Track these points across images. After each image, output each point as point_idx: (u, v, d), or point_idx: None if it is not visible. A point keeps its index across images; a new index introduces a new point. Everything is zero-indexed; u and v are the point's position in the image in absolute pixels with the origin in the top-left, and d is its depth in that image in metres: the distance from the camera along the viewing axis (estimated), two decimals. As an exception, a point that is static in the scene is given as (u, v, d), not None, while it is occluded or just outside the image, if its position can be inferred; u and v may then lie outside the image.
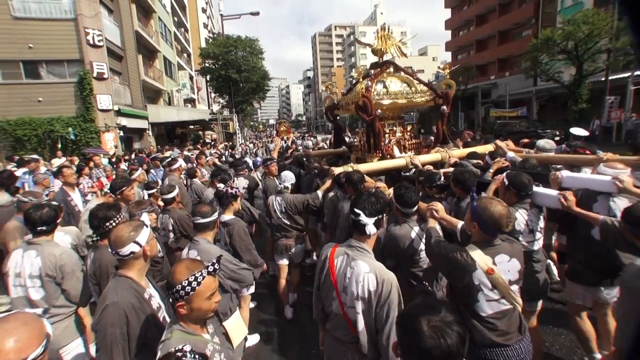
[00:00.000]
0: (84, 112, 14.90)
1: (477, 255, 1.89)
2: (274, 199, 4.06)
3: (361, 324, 1.76)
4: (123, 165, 9.02)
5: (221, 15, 25.05)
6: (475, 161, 4.18)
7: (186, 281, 1.35)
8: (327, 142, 12.80)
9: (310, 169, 5.29)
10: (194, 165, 7.46)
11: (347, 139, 7.86)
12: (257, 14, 22.43)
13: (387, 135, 5.19)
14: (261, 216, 4.47)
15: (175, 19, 31.25)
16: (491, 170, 3.47)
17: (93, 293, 2.55)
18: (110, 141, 15.15)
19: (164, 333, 1.42)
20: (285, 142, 18.12)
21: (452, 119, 23.34)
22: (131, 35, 19.04)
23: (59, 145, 13.51)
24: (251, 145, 19.68)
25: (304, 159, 6.23)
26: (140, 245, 1.76)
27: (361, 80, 5.38)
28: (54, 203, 2.82)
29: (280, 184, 4.21)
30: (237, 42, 27.04)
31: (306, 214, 4.26)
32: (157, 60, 24.08)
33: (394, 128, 5.41)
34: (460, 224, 2.38)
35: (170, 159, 6.85)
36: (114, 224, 2.46)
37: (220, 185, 4.16)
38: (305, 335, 3.69)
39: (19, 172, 6.50)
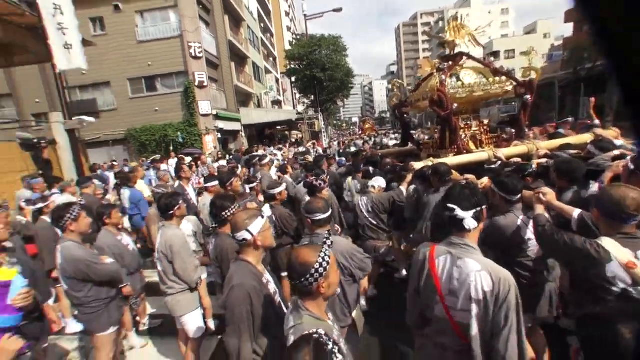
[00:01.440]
0: (189, 118, 17.27)
1: (612, 245, 1.73)
2: (360, 199, 4.21)
3: (475, 329, 1.63)
4: (222, 162, 10.29)
5: (305, 15, 26.20)
6: (572, 152, 3.80)
7: (320, 258, 1.42)
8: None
9: (384, 166, 5.36)
10: (285, 162, 8.12)
11: (415, 137, 7.79)
12: (339, 10, 22.86)
13: (462, 130, 5.07)
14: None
15: (262, 25, 33.76)
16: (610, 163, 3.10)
17: (215, 275, 2.93)
18: (210, 142, 17.26)
19: (290, 319, 1.48)
20: (370, 139, 18.27)
21: (570, 106, 20.23)
22: (225, 45, 21.28)
23: (171, 148, 15.91)
24: (335, 144, 20.30)
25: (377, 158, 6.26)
26: (252, 234, 1.87)
27: (435, 73, 5.27)
28: (175, 193, 3.44)
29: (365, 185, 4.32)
30: (321, 41, 27.95)
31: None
32: (247, 65, 26.41)
33: (470, 122, 5.25)
34: (576, 212, 2.23)
35: (261, 155, 7.57)
36: (229, 213, 2.79)
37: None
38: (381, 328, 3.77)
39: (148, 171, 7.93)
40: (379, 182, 4.31)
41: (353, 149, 11.10)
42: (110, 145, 17.33)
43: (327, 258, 1.44)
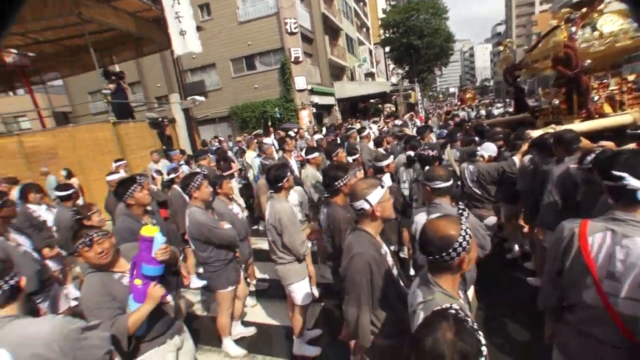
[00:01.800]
0: (286, 94, 17.90)
1: None
2: (466, 167, 3.97)
3: None
4: (318, 136, 10.38)
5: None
6: None
7: (462, 231, 1.31)
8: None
9: (493, 135, 4.75)
10: (382, 134, 7.79)
11: (530, 104, 7.00)
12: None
13: (594, 92, 4.32)
14: None
15: (356, -7, 32.69)
16: None
17: (327, 244, 2.89)
18: (305, 117, 17.69)
19: (418, 294, 1.41)
20: (473, 110, 16.56)
21: None
22: (319, 18, 21.17)
23: (269, 124, 16.77)
24: (434, 118, 18.88)
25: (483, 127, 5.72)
26: (370, 204, 1.81)
27: (562, 26, 4.31)
28: (284, 165, 3.42)
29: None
30: (419, 4, 25.98)
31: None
32: (340, 38, 26.01)
33: (606, 80, 4.38)
34: None
35: (359, 127, 7.38)
36: (342, 183, 2.69)
37: (410, 153, 4.35)
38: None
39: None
40: (488, 149, 4.01)
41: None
42: (216, 123, 19.13)
43: (468, 230, 1.32)
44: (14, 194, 4.58)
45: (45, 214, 4.29)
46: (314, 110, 18.75)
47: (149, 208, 3.35)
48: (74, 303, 3.51)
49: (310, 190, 4.32)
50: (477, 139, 5.19)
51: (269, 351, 3.44)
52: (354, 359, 2.58)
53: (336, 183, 2.70)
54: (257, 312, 4.14)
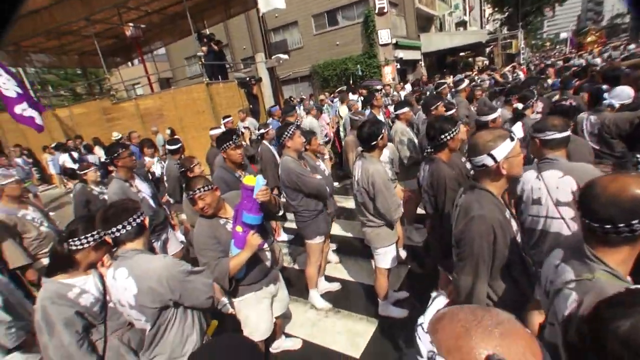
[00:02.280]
0: (368, 49, 17.08)
1: None
2: (586, 117, 3.37)
3: None
4: (402, 93, 9.85)
5: None
6: None
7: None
8: None
9: (636, 80, 3.82)
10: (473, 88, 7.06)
11: None
12: None
13: None
14: None
15: None
16: None
17: (426, 204, 2.72)
18: (388, 74, 16.82)
19: (566, 270, 1.15)
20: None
21: None
22: (407, -39, 19.33)
23: (351, 81, 16.36)
24: (551, 71, 16.19)
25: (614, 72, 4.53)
26: (495, 160, 1.55)
27: None
28: (378, 121, 3.21)
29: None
30: None
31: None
32: (430, -18, 23.53)
33: None
34: None
35: (457, 79, 6.75)
36: (449, 137, 2.47)
37: (519, 105, 3.87)
38: None
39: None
40: (622, 95, 3.38)
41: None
42: (298, 82, 19.33)
43: None
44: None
45: (156, 165, 4.90)
46: (398, 66, 17.66)
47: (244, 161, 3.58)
48: (180, 246, 3.99)
49: (399, 147, 4.12)
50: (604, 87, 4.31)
51: (353, 308, 3.51)
52: None
53: (442, 136, 2.46)
54: (341, 269, 4.24)
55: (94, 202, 3.90)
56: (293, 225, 5.26)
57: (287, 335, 3.19)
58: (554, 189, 1.92)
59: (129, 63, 16.55)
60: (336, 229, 5.18)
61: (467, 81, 6.01)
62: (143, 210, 1.82)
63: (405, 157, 4.06)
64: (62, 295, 1.73)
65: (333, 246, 4.69)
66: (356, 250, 4.52)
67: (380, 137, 2.77)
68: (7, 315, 2.15)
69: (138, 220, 1.72)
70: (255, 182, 2.10)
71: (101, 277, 1.89)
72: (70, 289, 1.76)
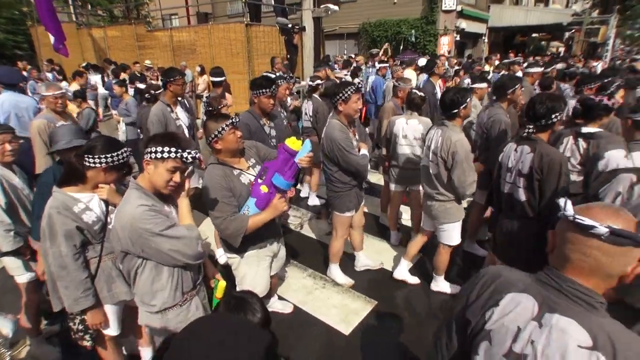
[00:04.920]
0: (428, 13, 16.04)
1: None
2: None
3: None
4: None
5: None
6: None
7: None
8: None
9: None
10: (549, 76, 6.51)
11: None
12: None
13: None
14: None
15: None
16: None
17: (518, 190, 2.54)
18: (444, 45, 15.86)
19: None
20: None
21: None
22: None
23: (401, 47, 15.61)
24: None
25: None
26: None
27: None
28: (463, 89, 3.04)
29: None
30: None
31: None
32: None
33: None
34: None
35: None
36: (558, 118, 2.39)
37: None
38: None
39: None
40: None
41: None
42: (344, 39, 18.60)
43: None
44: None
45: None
46: (457, 38, 16.60)
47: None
48: (199, 184, 4.06)
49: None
50: None
51: (355, 286, 3.51)
52: None
53: (553, 116, 2.36)
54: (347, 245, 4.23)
55: (170, 124, 3.81)
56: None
57: (280, 298, 3.25)
58: None
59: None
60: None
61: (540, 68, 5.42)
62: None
63: (473, 136, 3.93)
64: (68, 208, 1.85)
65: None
66: (368, 227, 4.44)
67: (464, 105, 2.82)
68: (7, 217, 2.28)
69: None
70: (302, 146, 2.09)
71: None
72: (76, 204, 1.89)
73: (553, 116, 2.36)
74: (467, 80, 6.27)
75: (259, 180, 2.14)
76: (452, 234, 3.11)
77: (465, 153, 2.79)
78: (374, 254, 3.90)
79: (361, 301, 3.28)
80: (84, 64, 10.25)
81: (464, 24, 16.46)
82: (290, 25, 9.59)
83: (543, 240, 2.12)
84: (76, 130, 2.39)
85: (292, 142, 2.09)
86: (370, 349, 2.79)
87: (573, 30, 21.98)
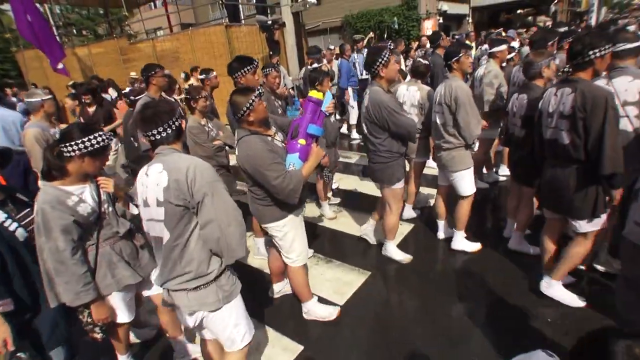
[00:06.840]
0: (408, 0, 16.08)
1: None
2: None
3: None
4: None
5: None
6: None
7: None
8: None
9: None
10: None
11: None
12: None
13: None
14: None
15: None
16: None
17: (562, 131, 2.49)
18: (428, 29, 15.86)
19: None
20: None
21: None
22: None
23: (385, 36, 15.63)
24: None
25: None
26: None
27: None
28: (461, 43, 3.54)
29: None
30: None
31: None
32: None
33: None
34: None
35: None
36: (598, 55, 2.25)
37: None
38: None
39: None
40: None
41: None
42: (327, 34, 18.65)
43: None
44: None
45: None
46: (440, 21, 16.64)
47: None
48: None
49: (486, 90, 4.11)
50: None
51: (348, 259, 3.63)
52: None
53: (592, 52, 2.23)
54: (342, 223, 4.33)
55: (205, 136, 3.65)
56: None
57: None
58: (623, 92, 2.41)
59: (152, 4, 16.58)
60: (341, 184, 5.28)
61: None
62: (181, 113, 1.86)
63: (487, 102, 4.07)
64: (62, 202, 1.84)
65: (336, 200, 4.74)
66: (357, 204, 4.62)
67: (457, 58, 3.05)
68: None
69: (177, 123, 1.77)
70: (325, 96, 2.42)
71: (97, 188, 2.02)
72: (69, 197, 1.88)
73: (590, 52, 2.23)
74: (485, 46, 6.46)
75: (293, 139, 2.38)
76: (462, 183, 3.21)
77: (467, 95, 2.99)
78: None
79: (355, 273, 3.37)
80: (70, 83, 10.37)
81: (445, 6, 16.53)
82: (269, 22, 9.69)
83: (587, 185, 2.31)
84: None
85: (315, 93, 2.41)
86: (364, 317, 2.87)
87: (556, 1, 21.96)
